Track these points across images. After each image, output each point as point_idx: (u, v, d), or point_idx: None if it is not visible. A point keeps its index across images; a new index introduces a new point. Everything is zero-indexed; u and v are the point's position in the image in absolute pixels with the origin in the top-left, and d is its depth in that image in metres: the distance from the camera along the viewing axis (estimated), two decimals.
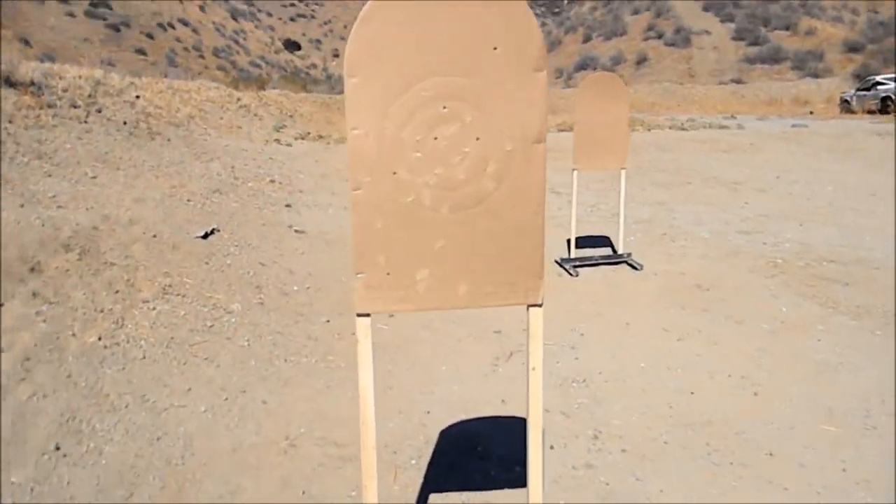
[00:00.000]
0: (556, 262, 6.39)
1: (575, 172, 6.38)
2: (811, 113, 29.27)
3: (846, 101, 29.14)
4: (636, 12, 71.91)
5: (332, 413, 3.51)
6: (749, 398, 3.69)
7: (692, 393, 3.75)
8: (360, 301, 1.85)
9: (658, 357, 4.27)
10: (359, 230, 1.80)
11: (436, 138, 1.79)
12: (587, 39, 73.12)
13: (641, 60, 61.37)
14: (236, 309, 4.63)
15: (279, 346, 4.25)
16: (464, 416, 3.53)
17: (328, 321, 4.77)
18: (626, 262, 6.35)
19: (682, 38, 62.61)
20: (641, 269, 6.16)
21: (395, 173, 1.79)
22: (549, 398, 3.74)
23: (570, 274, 6.07)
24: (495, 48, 1.74)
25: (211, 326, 4.32)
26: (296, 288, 5.31)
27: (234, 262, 5.50)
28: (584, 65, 61.73)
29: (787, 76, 52.65)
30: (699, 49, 61.32)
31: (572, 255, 6.52)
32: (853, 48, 55.47)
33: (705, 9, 67.89)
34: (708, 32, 63.19)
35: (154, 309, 4.31)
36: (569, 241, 6.65)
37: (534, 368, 1.92)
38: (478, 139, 1.80)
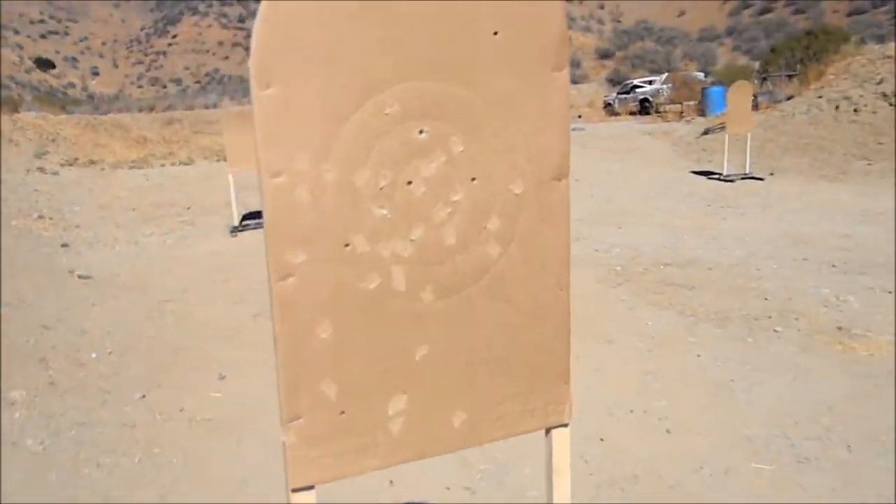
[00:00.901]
0: None
1: None
2: (580, 117, 31.09)
3: (609, 104, 31.33)
4: None
5: None
6: (662, 437, 3.30)
7: (601, 439, 3.30)
8: (297, 466, 1.08)
9: None
10: (290, 346, 1.04)
11: (410, 182, 1.08)
12: None
13: None
14: (19, 398, 3.50)
15: (86, 445, 3.22)
16: None
17: (143, 396, 3.79)
18: None
19: None
20: None
21: (347, 245, 1.05)
22: (444, 471, 3.12)
23: None
24: (495, 33, 1.08)
25: None
26: (94, 355, 4.23)
27: (8, 329, 4.29)
28: None
29: None
30: None
31: None
32: (604, 55, 60.62)
33: None
34: None
35: None
36: None
37: None
38: (473, 180, 1.11)
